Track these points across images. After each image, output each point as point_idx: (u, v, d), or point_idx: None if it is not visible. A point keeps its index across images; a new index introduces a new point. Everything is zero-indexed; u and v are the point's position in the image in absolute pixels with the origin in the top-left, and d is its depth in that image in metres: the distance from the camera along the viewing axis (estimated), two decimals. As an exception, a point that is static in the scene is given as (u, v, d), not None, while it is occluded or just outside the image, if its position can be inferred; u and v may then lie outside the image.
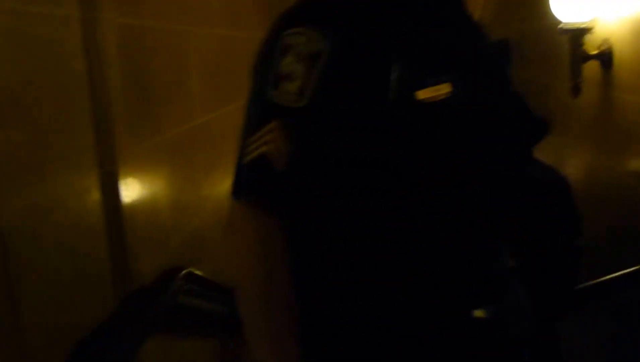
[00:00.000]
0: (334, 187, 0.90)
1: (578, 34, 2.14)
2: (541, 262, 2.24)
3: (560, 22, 2.18)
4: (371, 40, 0.89)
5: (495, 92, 1.00)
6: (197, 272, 1.72)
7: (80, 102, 1.30)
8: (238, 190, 0.93)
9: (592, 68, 2.21)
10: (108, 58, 1.35)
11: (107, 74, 1.35)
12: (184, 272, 1.67)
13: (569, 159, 2.66)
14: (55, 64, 1.22)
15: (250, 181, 0.91)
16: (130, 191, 1.46)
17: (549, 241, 2.26)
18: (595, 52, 2.16)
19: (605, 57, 2.13)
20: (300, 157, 0.87)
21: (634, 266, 1.83)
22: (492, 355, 1.01)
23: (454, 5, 1.02)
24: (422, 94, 0.88)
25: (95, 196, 1.35)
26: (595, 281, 2.02)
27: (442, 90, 0.89)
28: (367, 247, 0.93)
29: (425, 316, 0.95)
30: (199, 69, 2.04)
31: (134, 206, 1.48)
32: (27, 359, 1.06)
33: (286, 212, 0.90)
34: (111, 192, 1.37)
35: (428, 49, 0.92)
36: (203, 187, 2.12)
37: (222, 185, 2.01)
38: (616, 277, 1.90)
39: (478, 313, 0.98)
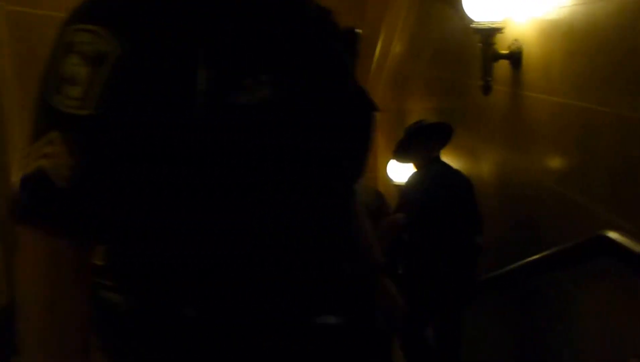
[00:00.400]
0: (127, 205, 0.80)
1: (489, 34, 2.20)
2: (443, 259, 2.33)
3: (473, 22, 2.24)
4: (171, 38, 0.77)
5: (328, 88, 0.91)
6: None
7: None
8: (17, 210, 0.77)
9: (503, 67, 2.29)
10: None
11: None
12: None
13: (481, 154, 2.74)
14: None
15: (26, 199, 0.76)
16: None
17: (452, 239, 2.35)
18: (505, 51, 2.23)
19: (515, 56, 2.20)
20: (84, 173, 0.75)
21: (535, 255, 1.91)
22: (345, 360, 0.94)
23: None
24: (236, 97, 0.78)
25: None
26: (500, 271, 2.10)
27: (261, 91, 0.80)
28: (182, 259, 0.83)
29: (263, 322, 0.85)
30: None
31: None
32: None
33: (72, 233, 0.77)
34: (2, 183, 1.33)
35: (243, 47, 0.81)
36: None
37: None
38: (519, 266, 1.97)
39: (328, 319, 0.90)
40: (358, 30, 1.01)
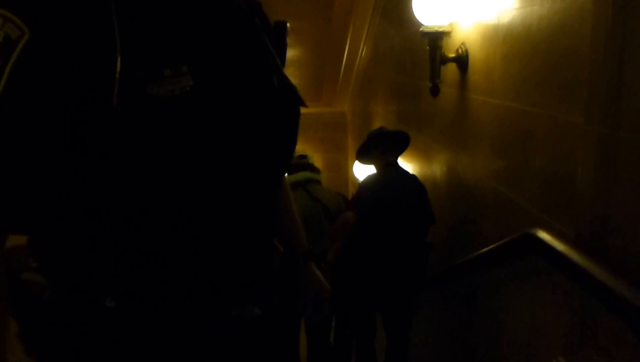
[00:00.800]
0: (43, 197, 0.77)
1: (436, 37, 2.22)
2: (395, 258, 2.38)
3: (422, 26, 2.26)
4: (85, 25, 0.72)
5: (252, 81, 0.88)
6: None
7: None
8: None
9: (451, 70, 2.31)
10: None
11: None
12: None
13: (434, 154, 2.77)
14: None
15: None
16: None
17: (397, 239, 2.40)
18: (453, 55, 2.25)
19: (462, 60, 2.22)
20: None
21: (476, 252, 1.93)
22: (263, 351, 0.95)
23: None
24: (155, 88, 0.74)
25: None
26: (443, 268, 2.12)
27: (181, 82, 0.76)
28: (101, 252, 0.81)
29: (181, 313, 0.85)
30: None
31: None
32: None
33: None
34: None
35: (162, 35, 0.77)
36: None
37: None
38: (460, 263, 1.99)
39: (247, 310, 0.90)
40: (287, 23, 0.99)
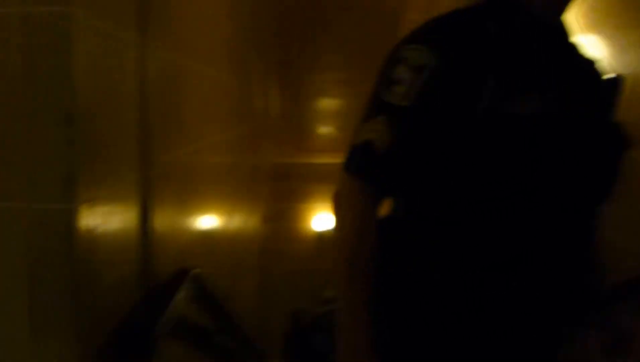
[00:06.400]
0: (423, 176, 1.04)
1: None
2: None
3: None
4: (470, 59, 1.00)
5: (587, 119, 1.06)
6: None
7: (129, 115, 1.42)
8: (348, 164, 1.06)
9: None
10: (151, 82, 1.50)
11: (150, 95, 1.49)
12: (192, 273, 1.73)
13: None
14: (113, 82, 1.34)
15: (356, 159, 1.05)
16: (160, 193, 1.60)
17: None
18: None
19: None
20: (399, 145, 1.01)
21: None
22: None
23: (553, 34, 1.10)
24: (512, 106, 0.98)
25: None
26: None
27: (532, 103, 0.98)
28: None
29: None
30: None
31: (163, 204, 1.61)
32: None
33: (383, 188, 1.05)
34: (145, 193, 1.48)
35: (524, 68, 1.01)
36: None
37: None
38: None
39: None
40: (618, 77, 1.15)
